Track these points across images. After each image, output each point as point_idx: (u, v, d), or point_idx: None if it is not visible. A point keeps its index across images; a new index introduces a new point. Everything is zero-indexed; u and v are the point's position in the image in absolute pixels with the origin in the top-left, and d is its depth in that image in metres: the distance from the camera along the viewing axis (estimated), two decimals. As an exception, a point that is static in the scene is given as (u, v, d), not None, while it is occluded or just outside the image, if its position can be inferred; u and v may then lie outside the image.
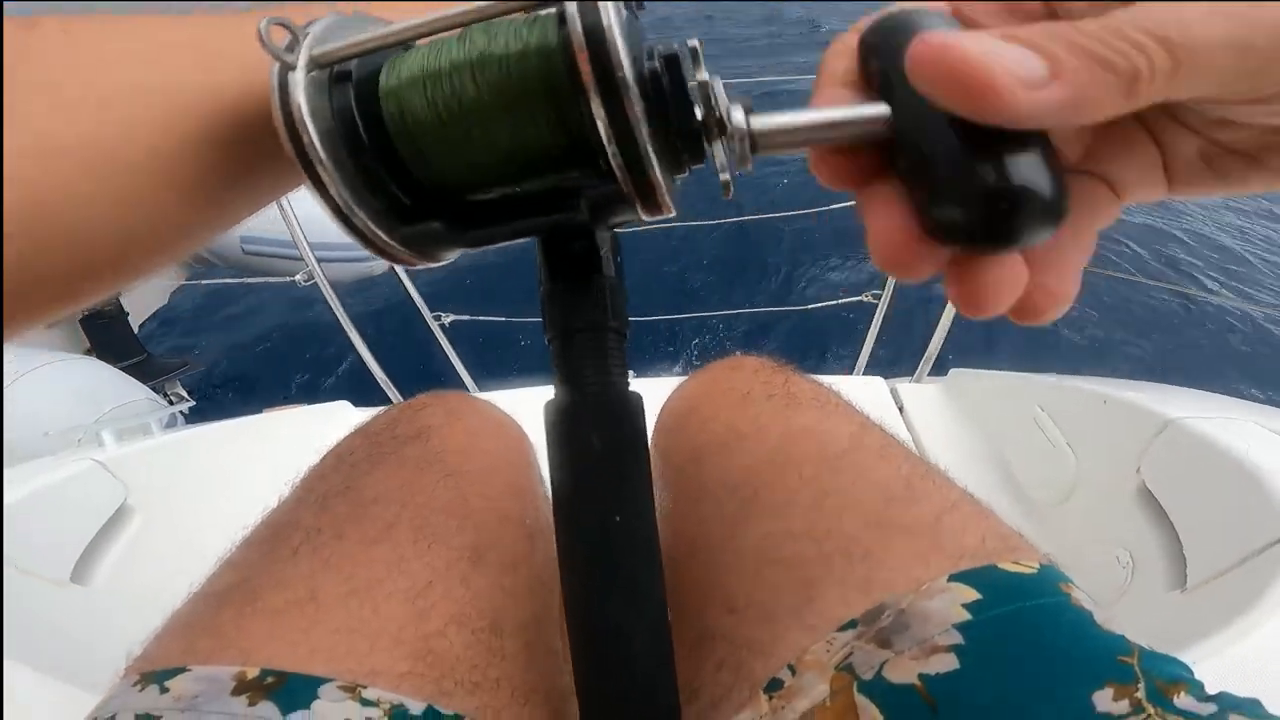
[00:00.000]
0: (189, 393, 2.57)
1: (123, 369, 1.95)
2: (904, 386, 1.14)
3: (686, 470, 0.38)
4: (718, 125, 0.17)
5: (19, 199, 0.17)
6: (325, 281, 1.10)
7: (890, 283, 1.26)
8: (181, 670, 0.25)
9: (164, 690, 0.24)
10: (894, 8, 0.17)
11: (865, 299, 1.35)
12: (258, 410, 1.15)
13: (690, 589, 0.32)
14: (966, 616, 0.23)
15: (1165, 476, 0.67)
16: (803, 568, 0.28)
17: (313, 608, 0.27)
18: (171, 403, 2.41)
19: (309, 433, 1.11)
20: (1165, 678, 0.22)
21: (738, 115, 0.17)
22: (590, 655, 0.21)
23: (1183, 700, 0.21)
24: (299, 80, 0.17)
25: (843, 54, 0.18)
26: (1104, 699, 0.21)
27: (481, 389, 1.34)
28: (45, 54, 0.18)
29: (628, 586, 0.21)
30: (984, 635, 0.23)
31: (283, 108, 0.17)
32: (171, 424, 2.00)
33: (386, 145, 0.19)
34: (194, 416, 2.29)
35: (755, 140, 0.17)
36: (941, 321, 1.14)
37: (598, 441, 0.21)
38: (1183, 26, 0.14)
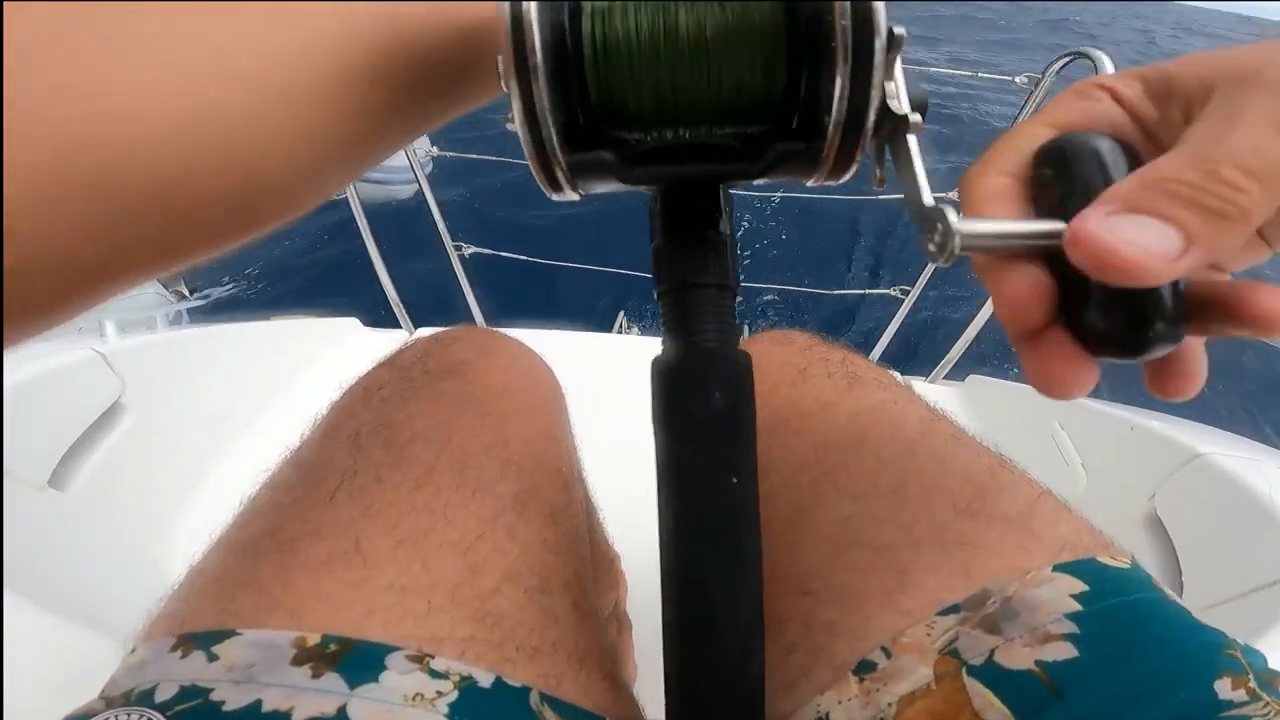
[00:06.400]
0: (190, 291, 2.55)
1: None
2: (918, 385, 1.12)
3: None
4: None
5: (202, 117, 0.16)
6: (356, 197, 1.07)
7: (921, 280, 1.22)
8: (230, 634, 0.23)
9: (212, 658, 0.22)
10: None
11: (893, 293, 1.32)
12: (259, 316, 1.13)
13: None
14: (1077, 607, 0.23)
15: (1179, 506, 0.66)
16: (891, 552, 0.27)
17: (359, 561, 0.25)
18: (176, 299, 2.40)
19: (315, 347, 1.10)
20: (1264, 669, 0.22)
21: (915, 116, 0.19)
22: (695, 622, 0.20)
23: None
24: None
25: (1010, 153, 0.20)
26: (1224, 688, 0.21)
27: (491, 326, 1.32)
28: None
29: (738, 553, 0.20)
30: (1099, 625, 0.23)
31: (512, 7, 0.17)
32: (176, 321, 1.99)
33: (578, 65, 0.18)
34: (195, 316, 2.28)
35: (961, 240, 0.18)
36: (970, 327, 1.11)
37: (721, 401, 0.20)
38: (1258, 154, 0.16)
